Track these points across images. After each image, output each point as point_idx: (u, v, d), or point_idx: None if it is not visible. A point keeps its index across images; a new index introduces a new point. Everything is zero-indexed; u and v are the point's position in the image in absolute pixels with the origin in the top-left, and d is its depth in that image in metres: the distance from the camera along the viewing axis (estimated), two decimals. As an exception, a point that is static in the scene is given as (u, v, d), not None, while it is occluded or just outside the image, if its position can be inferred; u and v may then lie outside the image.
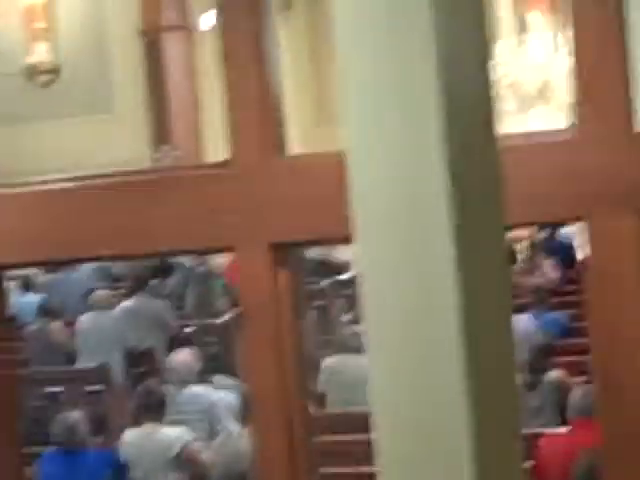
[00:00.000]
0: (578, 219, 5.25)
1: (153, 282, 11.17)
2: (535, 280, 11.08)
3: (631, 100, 4.74)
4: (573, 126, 5.95)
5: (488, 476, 2.57)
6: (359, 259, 2.69)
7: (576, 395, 7.48)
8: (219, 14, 5.17)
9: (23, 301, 12.13)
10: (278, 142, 5.09)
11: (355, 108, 2.72)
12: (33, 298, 12.13)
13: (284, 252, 5.04)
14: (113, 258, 7.73)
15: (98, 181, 6.08)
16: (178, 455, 7.61)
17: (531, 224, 8.31)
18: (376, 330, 2.66)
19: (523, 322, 9.52)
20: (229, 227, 4.94)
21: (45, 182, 7.91)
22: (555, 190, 4.84)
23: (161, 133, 13.05)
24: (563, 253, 11.63)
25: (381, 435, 2.59)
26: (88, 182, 5.89)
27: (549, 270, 11.16)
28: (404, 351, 2.64)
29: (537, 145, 5.41)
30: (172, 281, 11.69)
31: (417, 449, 2.61)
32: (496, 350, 2.74)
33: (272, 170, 4.94)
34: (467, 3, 2.79)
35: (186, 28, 15.02)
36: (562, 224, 9.80)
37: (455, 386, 2.58)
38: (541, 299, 10.33)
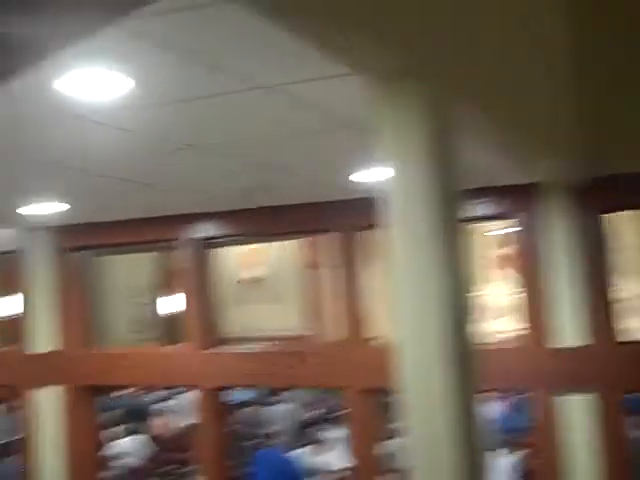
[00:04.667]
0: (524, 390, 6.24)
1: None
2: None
3: (548, 331, 5.54)
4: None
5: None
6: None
7: None
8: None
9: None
10: (361, 332, 6.23)
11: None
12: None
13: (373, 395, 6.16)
14: (280, 389, 10.51)
15: (272, 346, 7.86)
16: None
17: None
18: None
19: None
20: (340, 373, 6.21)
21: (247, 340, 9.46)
22: (512, 371, 5.73)
23: (309, 315, 15.96)
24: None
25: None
26: (268, 346, 7.55)
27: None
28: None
29: (502, 349, 6.19)
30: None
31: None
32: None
33: (354, 347, 6.20)
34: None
35: (327, 266, 16.79)
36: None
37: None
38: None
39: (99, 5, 1.15)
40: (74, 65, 2.97)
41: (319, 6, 2.34)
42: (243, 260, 17.00)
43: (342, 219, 6.16)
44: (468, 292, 3.04)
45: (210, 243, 6.84)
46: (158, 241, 7.17)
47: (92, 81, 3.17)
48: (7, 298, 8.02)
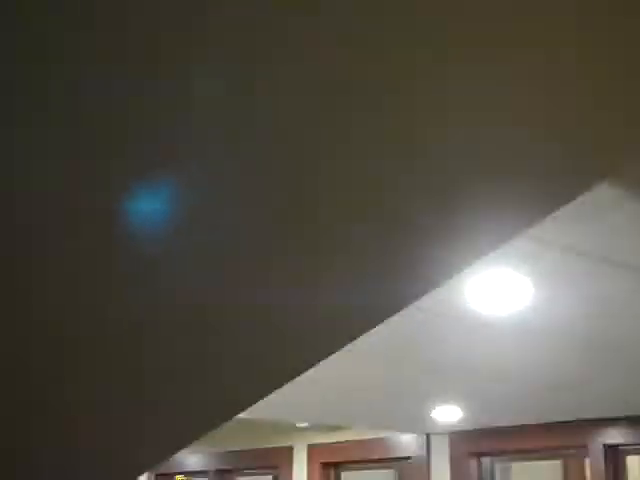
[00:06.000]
0: None
1: None
2: None
3: None
4: None
5: None
6: None
7: None
8: None
9: None
10: None
11: None
12: None
13: None
14: None
15: None
16: None
17: None
18: None
19: None
20: None
21: None
22: None
23: None
24: None
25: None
26: None
27: None
28: None
29: None
30: None
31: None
32: None
33: None
34: None
35: None
36: None
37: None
38: None
39: (520, 210, 1.10)
40: (476, 271, 3.00)
41: None
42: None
43: None
44: None
45: (621, 451, 6.38)
46: (562, 448, 6.83)
47: (492, 286, 3.17)
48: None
